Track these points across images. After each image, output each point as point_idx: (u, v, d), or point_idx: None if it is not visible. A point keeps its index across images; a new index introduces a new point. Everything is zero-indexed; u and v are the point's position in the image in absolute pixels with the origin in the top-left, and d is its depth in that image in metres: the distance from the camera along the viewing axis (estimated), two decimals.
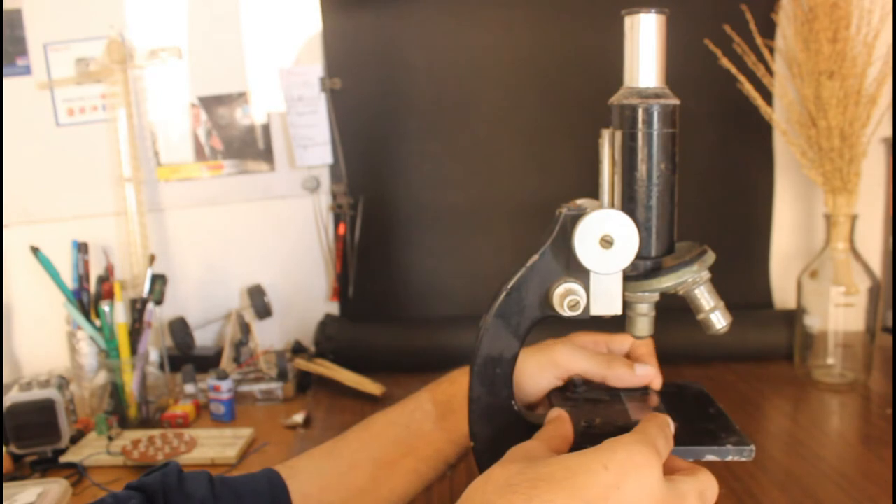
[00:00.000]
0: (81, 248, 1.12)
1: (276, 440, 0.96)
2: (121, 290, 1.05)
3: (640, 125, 0.53)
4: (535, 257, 0.56)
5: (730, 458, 0.55)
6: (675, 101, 0.54)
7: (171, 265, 1.26)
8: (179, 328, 1.21)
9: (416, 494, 0.65)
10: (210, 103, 1.24)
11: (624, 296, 0.56)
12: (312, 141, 1.24)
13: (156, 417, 1.05)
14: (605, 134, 0.56)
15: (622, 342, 0.67)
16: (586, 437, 0.55)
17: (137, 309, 1.07)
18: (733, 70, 1.10)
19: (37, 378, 0.97)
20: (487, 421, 0.59)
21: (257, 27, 1.22)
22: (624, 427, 0.58)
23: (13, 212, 1.24)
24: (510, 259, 0.58)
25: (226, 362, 1.16)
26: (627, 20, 0.54)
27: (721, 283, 0.57)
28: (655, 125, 0.53)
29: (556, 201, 0.57)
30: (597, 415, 0.61)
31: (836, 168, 1.05)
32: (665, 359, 1.19)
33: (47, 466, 0.91)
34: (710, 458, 0.55)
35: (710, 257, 0.55)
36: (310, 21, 1.22)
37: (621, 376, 0.62)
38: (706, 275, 0.55)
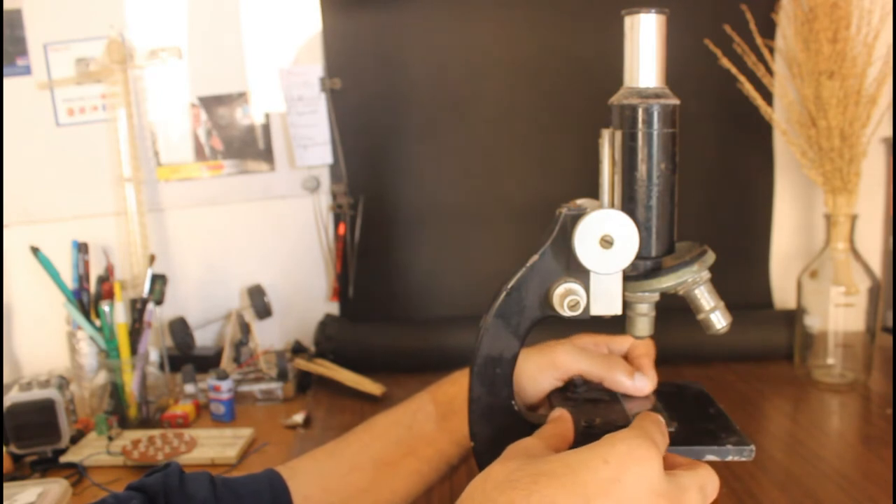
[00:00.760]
0: (81, 248, 1.12)
1: (276, 440, 0.96)
2: (121, 290, 1.05)
3: (640, 125, 0.53)
4: (535, 257, 0.56)
5: (730, 458, 0.55)
6: (675, 101, 0.54)
7: (171, 265, 1.26)
8: (179, 328, 1.21)
9: (418, 495, 0.65)
10: (210, 103, 1.24)
11: (624, 296, 0.56)
12: (312, 141, 1.24)
13: (156, 417, 1.05)
14: (605, 134, 0.56)
15: (622, 343, 0.67)
16: (586, 438, 0.55)
17: (137, 309, 1.07)
18: (733, 70, 1.10)
19: (37, 378, 0.97)
20: (487, 421, 0.59)
21: (257, 27, 1.22)
22: (623, 427, 0.58)
23: (13, 212, 1.24)
24: (510, 259, 0.58)
25: (226, 362, 1.16)
26: (627, 20, 0.54)
27: (721, 283, 0.57)
28: (655, 125, 0.53)
29: (556, 201, 0.57)
30: (597, 415, 0.61)
31: (836, 168, 1.05)
32: (665, 359, 1.19)
33: (47, 466, 0.91)
34: (710, 458, 0.55)
35: (710, 257, 0.55)
36: (310, 21, 1.22)
37: (619, 382, 0.63)
38: (706, 275, 0.55)
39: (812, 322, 1.09)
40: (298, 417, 1.01)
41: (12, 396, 0.92)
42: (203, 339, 1.27)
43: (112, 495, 0.54)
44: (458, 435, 0.64)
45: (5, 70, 1.20)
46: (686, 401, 0.64)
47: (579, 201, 0.58)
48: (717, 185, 1.26)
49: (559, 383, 0.64)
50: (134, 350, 1.05)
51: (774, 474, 0.81)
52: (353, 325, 1.22)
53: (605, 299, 0.56)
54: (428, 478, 0.65)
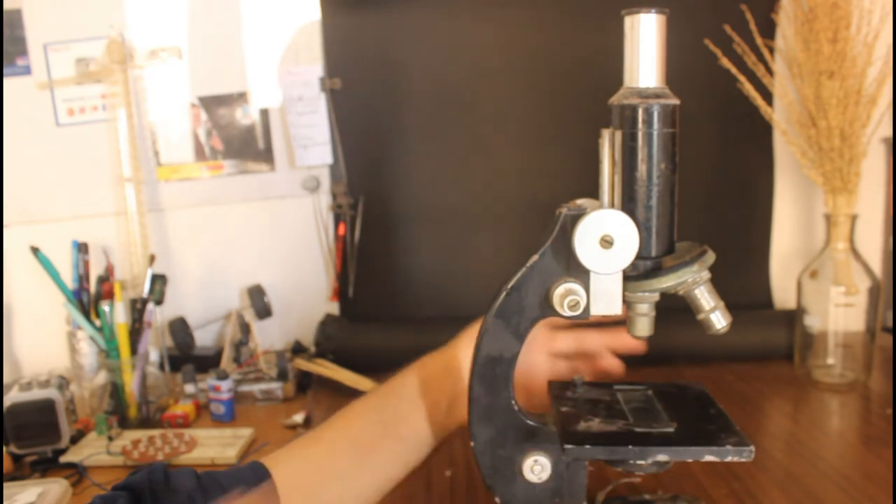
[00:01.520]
0: (81, 248, 1.12)
1: (276, 440, 0.96)
2: (121, 290, 1.05)
3: (640, 125, 0.53)
4: (535, 257, 0.56)
5: (729, 459, 0.55)
6: (675, 101, 0.54)
7: (171, 265, 1.26)
8: (179, 328, 1.21)
9: (399, 478, 0.64)
10: (210, 103, 1.24)
11: (624, 296, 0.56)
12: (312, 141, 1.24)
13: (156, 417, 1.05)
14: (606, 134, 0.56)
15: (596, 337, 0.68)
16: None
17: (137, 309, 1.07)
18: (733, 70, 1.10)
19: (37, 378, 0.97)
20: (487, 421, 0.59)
21: (257, 27, 1.22)
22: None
23: (13, 212, 1.24)
24: (510, 259, 0.58)
25: (226, 362, 1.16)
26: (627, 20, 0.54)
27: (721, 283, 0.57)
28: (655, 125, 0.53)
29: (556, 201, 0.57)
30: (597, 415, 0.61)
31: (836, 168, 1.05)
32: (665, 359, 1.20)
33: (47, 466, 0.91)
34: (710, 458, 0.55)
35: (710, 257, 0.55)
36: (310, 21, 1.22)
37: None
38: (706, 275, 0.55)
39: (812, 322, 1.09)
40: (298, 417, 1.01)
41: (12, 396, 0.92)
42: (203, 339, 1.27)
43: (98, 497, 0.54)
44: (435, 411, 0.64)
45: (5, 70, 1.20)
46: (687, 401, 0.64)
47: (579, 201, 0.58)
48: (717, 185, 1.26)
49: (550, 358, 0.66)
50: (134, 350, 1.05)
51: (774, 474, 0.81)
52: (353, 325, 1.22)
53: (605, 299, 0.56)
54: (407, 458, 0.64)
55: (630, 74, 0.54)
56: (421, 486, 0.81)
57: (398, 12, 1.22)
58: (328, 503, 0.61)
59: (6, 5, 1.19)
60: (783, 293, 1.29)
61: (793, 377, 1.11)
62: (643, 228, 0.54)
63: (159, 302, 1.11)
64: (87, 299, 1.10)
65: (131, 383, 1.04)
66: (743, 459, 0.54)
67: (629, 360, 1.15)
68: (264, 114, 1.25)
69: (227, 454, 0.91)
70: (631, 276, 0.56)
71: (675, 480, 0.79)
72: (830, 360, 1.08)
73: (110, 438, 0.96)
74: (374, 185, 1.26)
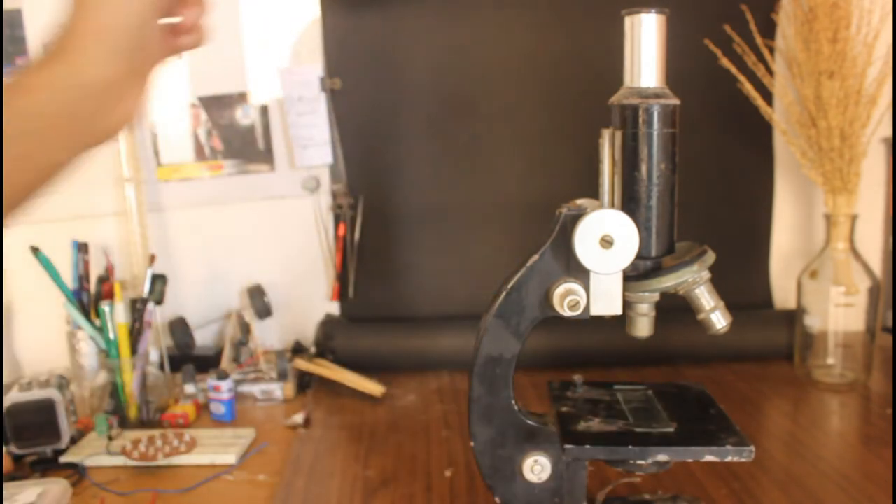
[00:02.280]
0: (81, 248, 1.12)
1: (277, 440, 0.96)
2: (121, 290, 1.05)
3: (640, 125, 0.53)
4: (535, 257, 0.56)
5: (729, 459, 0.55)
6: (675, 101, 0.54)
7: (171, 265, 1.26)
8: (179, 328, 1.21)
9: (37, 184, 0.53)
10: (210, 103, 1.24)
11: (624, 296, 0.56)
12: (312, 141, 1.24)
13: (156, 417, 1.05)
14: (606, 134, 0.56)
15: None
16: None
17: (137, 309, 1.07)
18: (733, 70, 1.10)
19: (37, 378, 0.97)
20: (487, 421, 0.60)
21: (257, 27, 1.22)
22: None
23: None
24: (510, 259, 0.58)
25: (226, 362, 1.16)
26: (627, 20, 0.54)
27: (721, 283, 0.57)
28: (655, 125, 0.53)
29: (556, 201, 0.57)
30: (597, 415, 0.61)
31: (836, 168, 1.05)
32: (665, 359, 1.20)
33: (47, 466, 0.91)
34: (710, 458, 0.55)
35: (710, 257, 0.55)
36: (310, 21, 1.22)
37: None
38: (706, 275, 0.55)
39: (812, 322, 1.09)
40: (298, 417, 1.01)
41: (12, 396, 0.92)
42: (203, 339, 1.27)
43: None
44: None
45: (5, 70, 1.20)
46: (687, 401, 0.64)
47: (579, 201, 0.58)
48: (717, 185, 1.26)
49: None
50: (134, 350, 1.05)
51: (774, 474, 0.81)
52: (353, 325, 1.22)
53: (605, 299, 0.56)
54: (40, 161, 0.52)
55: (630, 74, 0.54)
56: (421, 486, 0.81)
57: (398, 12, 1.22)
58: None
59: (6, 5, 1.19)
60: (783, 293, 1.29)
61: (793, 377, 1.11)
62: (643, 228, 0.54)
63: (159, 302, 1.11)
64: (87, 299, 1.10)
65: (131, 383, 1.04)
66: (743, 459, 0.55)
67: (629, 360, 1.15)
68: (264, 114, 1.25)
69: (227, 454, 0.91)
70: (631, 276, 0.56)
71: (675, 480, 0.79)
72: (830, 360, 1.08)
73: (110, 438, 0.96)
74: (374, 185, 1.26)
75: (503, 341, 0.58)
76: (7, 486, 0.79)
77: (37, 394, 0.92)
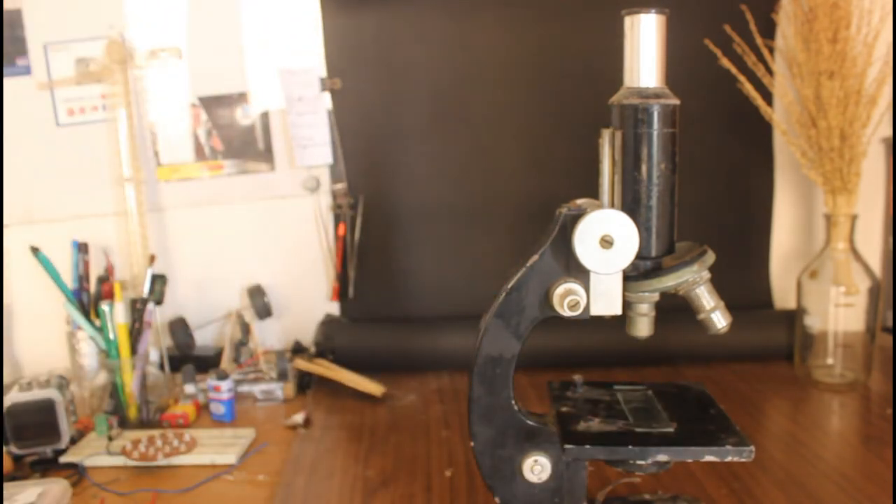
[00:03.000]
0: (81, 248, 1.12)
1: (277, 440, 0.96)
2: (121, 290, 1.05)
3: (640, 125, 0.53)
4: (535, 257, 0.56)
5: (729, 459, 0.55)
6: (675, 101, 0.54)
7: (171, 265, 1.27)
8: (179, 328, 1.21)
9: None
10: (210, 103, 1.24)
11: (624, 296, 0.56)
12: (312, 141, 1.24)
13: (156, 417, 1.05)
14: (605, 134, 0.56)
15: None
16: None
17: (137, 309, 1.07)
18: (733, 70, 1.10)
19: (37, 378, 0.97)
20: (487, 421, 0.60)
21: (257, 27, 1.22)
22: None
23: (13, 212, 1.24)
24: (510, 259, 0.58)
25: (226, 362, 1.16)
26: (627, 20, 0.54)
27: (721, 283, 0.57)
28: (655, 125, 0.53)
29: (556, 201, 0.57)
30: (597, 415, 0.61)
31: (836, 168, 1.05)
32: (665, 359, 1.20)
33: (47, 466, 0.91)
34: (710, 458, 0.55)
35: (710, 257, 0.55)
36: (310, 21, 1.22)
37: None
38: (706, 275, 0.55)
39: (812, 322, 1.09)
40: (298, 417, 1.01)
41: (12, 396, 0.92)
42: (203, 339, 1.27)
43: None
44: None
45: (5, 70, 1.20)
46: (687, 401, 0.64)
47: (579, 201, 0.58)
48: (717, 185, 1.26)
49: None
50: (134, 350, 1.05)
51: (774, 474, 0.81)
52: (353, 325, 1.22)
53: (605, 299, 0.56)
54: None
55: (630, 74, 0.54)
56: (421, 486, 0.81)
57: (398, 12, 1.22)
58: None
59: (6, 5, 1.19)
60: (783, 293, 1.29)
61: (793, 377, 1.11)
62: (643, 228, 0.54)
63: (159, 302, 1.11)
64: (87, 299, 1.10)
65: (131, 383, 1.04)
66: (743, 459, 0.55)
67: (629, 360, 1.15)
68: (264, 114, 1.25)
69: (227, 454, 0.91)
70: (631, 276, 0.56)
71: (675, 480, 0.79)
72: (830, 360, 1.08)
73: (110, 438, 0.96)
74: (374, 185, 1.26)
75: (503, 341, 0.58)
76: (7, 486, 0.79)
77: (37, 394, 0.92)
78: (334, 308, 1.29)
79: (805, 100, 1.07)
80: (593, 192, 0.58)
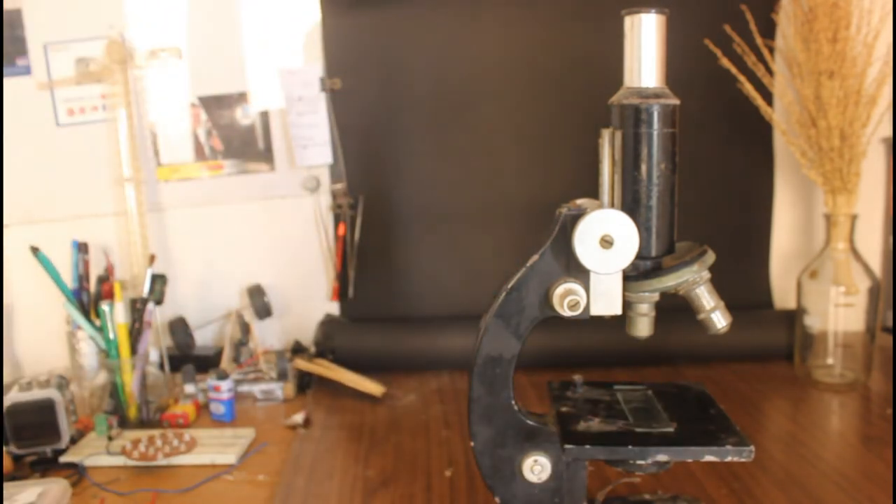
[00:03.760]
0: (81, 248, 1.12)
1: (277, 440, 0.96)
2: (121, 290, 1.05)
3: (640, 125, 0.53)
4: (535, 257, 0.56)
5: (729, 459, 0.55)
6: (675, 101, 0.54)
7: (171, 265, 1.27)
8: (179, 328, 1.21)
9: None
10: (210, 103, 1.24)
11: (624, 296, 0.56)
12: (312, 141, 1.24)
13: (156, 417, 1.05)
14: (605, 134, 0.56)
15: None
16: None
17: (137, 309, 1.07)
18: (733, 70, 1.10)
19: (37, 378, 0.97)
20: (487, 421, 0.60)
21: (257, 27, 1.22)
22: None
23: (13, 212, 1.24)
24: (510, 259, 0.58)
25: (226, 362, 1.16)
26: (627, 20, 0.54)
27: (721, 283, 0.57)
28: (655, 125, 0.53)
29: (556, 201, 0.57)
30: (597, 415, 0.61)
31: (836, 168, 1.05)
32: (665, 359, 1.20)
33: (47, 466, 0.91)
34: (710, 458, 0.55)
35: (710, 257, 0.55)
36: (310, 21, 1.22)
37: None
38: (706, 275, 0.55)
39: (812, 322, 1.09)
40: (298, 417, 1.01)
41: (12, 396, 0.92)
42: (203, 339, 1.27)
43: None
44: None
45: (5, 70, 1.20)
46: (687, 401, 0.64)
47: (579, 201, 0.58)
48: (717, 185, 1.26)
49: None
50: (134, 350, 1.05)
51: (774, 474, 0.81)
52: (353, 324, 1.22)
53: (605, 299, 0.56)
54: None
55: (630, 74, 0.54)
56: (421, 486, 0.81)
57: (398, 12, 1.22)
58: None
59: (6, 5, 1.19)
60: (783, 293, 1.29)
61: (793, 377, 1.11)
62: (643, 228, 0.54)
63: (159, 302, 1.11)
64: (87, 299, 1.10)
65: (131, 383, 1.04)
66: (743, 459, 0.55)
67: (629, 360, 1.15)
68: (264, 114, 1.25)
69: (227, 454, 0.91)
70: (631, 276, 0.56)
71: (675, 480, 0.79)
72: (830, 360, 1.08)
73: (110, 438, 0.96)
74: (374, 185, 1.26)
75: (503, 341, 0.58)
76: (7, 486, 0.79)
77: (37, 394, 0.92)
78: (334, 308, 1.29)
79: (805, 100, 1.07)
80: (593, 192, 0.58)
